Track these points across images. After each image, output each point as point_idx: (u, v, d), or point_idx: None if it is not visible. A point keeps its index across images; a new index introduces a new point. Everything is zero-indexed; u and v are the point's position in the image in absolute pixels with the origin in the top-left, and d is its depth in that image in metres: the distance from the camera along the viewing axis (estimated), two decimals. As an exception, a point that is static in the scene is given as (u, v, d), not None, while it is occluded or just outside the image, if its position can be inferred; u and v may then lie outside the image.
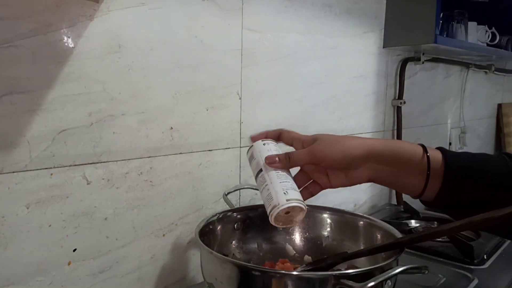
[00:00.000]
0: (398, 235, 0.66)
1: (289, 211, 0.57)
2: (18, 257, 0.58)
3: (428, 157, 0.56)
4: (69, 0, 0.59)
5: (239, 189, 0.87)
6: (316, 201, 1.06)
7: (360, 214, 0.78)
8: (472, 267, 0.89)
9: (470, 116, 1.88)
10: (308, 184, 0.64)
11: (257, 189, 0.86)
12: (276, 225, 0.59)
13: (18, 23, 0.55)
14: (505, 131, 2.15)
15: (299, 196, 0.58)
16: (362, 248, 0.74)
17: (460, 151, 0.60)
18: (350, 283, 0.50)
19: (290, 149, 0.64)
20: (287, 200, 0.56)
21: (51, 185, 0.60)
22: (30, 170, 0.58)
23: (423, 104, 1.55)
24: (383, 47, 1.27)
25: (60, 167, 0.61)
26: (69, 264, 0.64)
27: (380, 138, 1.33)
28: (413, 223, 1.21)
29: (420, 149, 0.57)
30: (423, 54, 1.40)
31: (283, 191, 0.57)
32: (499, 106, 2.15)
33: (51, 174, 0.60)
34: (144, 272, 0.74)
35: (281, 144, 0.66)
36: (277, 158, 0.60)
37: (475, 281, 0.83)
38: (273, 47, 0.92)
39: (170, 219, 0.77)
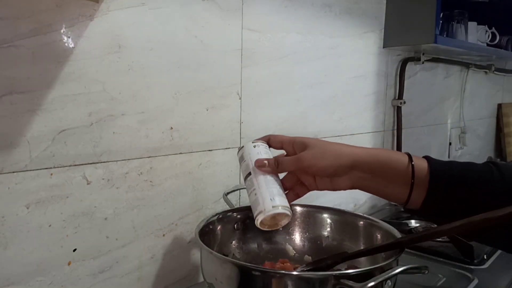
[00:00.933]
0: (398, 235, 0.66)
1: (274, 216, 0.59)
2: (18, 257, 0.58)
3: (412, 166, 0.57)
4: (69, 0, 0.59)
5: (239, 189, 0.87)
6: (316, 201, 1.06)
7: (360, 214, 0.78)
8: (472, 267, 0.89)
9: (470, 116, 1.88)
10: (295, 185, 0.66)
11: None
12: (261, 228, 0.61)
13: (18, 23, 0.55)
14: (505, 131, 2.15)
15: (285, 202, 0.60)
16: (362, 248, 0.74)
17: (447, 160, 0.61)
18: (350, 283, 0.50)
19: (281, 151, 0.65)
20: (273, 207, 0.58)
21: (51, 185, 0.60)
22: (30, 170, 0.58)
23: (423, 104, 1.55)
24: (383, 47, 1.27)
25: (60, 167, 0.61)
26: (69, 264, 0.64)
27: (380, 138, 1.33)
28: (413, 223, 1.20)
29: (406, 158, 0.58)
30: (423, 54, 1.40)
31: (270, 197, 0.59)
32: (499, 106, 2.15)
33: (51, 174, 0.60)
34: (144, 272, 0.74)
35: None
36: (266, 162, 0.62)
37: (475, 281, 0.83)
38: (273, 47, 0.92)
39: (170, 219, 0.77)
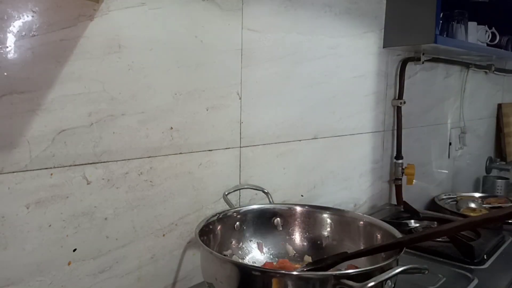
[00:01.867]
0: (398, 235, 0.66)
1: None
2: (18, 257, 0.58)
3: None
4: (69, 0, 0.59)
5: (239, 189, 0.87)
6: (316, 201, 1.06)
7: (360, 214, 0.78)
8: (472, 267, 0.89)
9: (470, 116, 1.88)
10: None
11: (257, 189, 0.87)
12: None
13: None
14: (505, 131, 2.15)
15: None
16: (362, 248, 0.74)
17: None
18: (350, 283, 0.50)
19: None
20: None
21: (51, 185, 0.60)
22: (30, 170, 0.58)
23: (423, 104, 1.55)
24: (383, 47, 1.27)
25: (60, 167, 0.61)
26: (69, 264, 0.64)
27: (380, 138, 1.33)
28: (413, 223, 1.21)
29: None
30: (423, 54, 1.40)
31: None
32: (499, 106, 2.15)
33: (51, 174, 0.60)
34: (144, 272, 0.74)
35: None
36: None
37: (475, 281, 0.83)
38: (273, 47, 0.92)
39: (170, 219, 0.77)
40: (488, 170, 2.09)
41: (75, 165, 0.63)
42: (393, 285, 0.58)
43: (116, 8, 0.65)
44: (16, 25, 0.55)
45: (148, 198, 0.73)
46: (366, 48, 1.22)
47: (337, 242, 0.78)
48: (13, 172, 0.57)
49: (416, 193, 1.53)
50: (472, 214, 1.38)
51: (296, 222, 0.81)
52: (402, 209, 1.32)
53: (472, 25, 1.43)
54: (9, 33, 0.55)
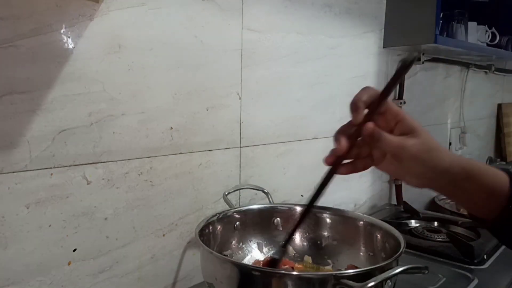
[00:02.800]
0: (398, 235, 0.66)
1: None
2: (18, 257, 0.58)
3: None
4: (69, 0, 0.59)
5: (239, 189, 0.87)
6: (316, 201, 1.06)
7: (360, 214, 0.78)
8: (472, 267, 0.89)
9: (470, 116, 1.88)
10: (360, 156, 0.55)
11: (257, 189, 0.87)
12: None
13: (18, 23, 0.55)
14: (505, 131, 2.15)
15: None
16: (361, 248, 0.74)
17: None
18: (350, 283, 0.50)
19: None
20: None
21: (51, 185, 0.60)
22: (30, 170, 0.58)
23: (423, 104, 1.55)
24: (383, 47, 1.27)
25: (60, 167, 0.61)
26: (69, 264, 0.64)
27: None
28: (413, 223, 1.21)
29: (506, 178, 0.51)
30: (423, 54, 1.40)
31: None
32: (499, 106, 2.15)
33: (51, 174, 0.60)
34: (144, 272, 0.74)
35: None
36: (370, 126, 0.50)
37: (475, 281, 0.83)
38: (273, 47, 0.92)
39: (170, 219, 0.77)
40: (488, 170, 2.09)
41: (75, 165, 0.63)
42: (393, 285, 0.58)
43: (116, 8, 0.65)
44: (16, 25, 0.55)
45: (148, 198, 0.73)
46: (366, 48, 1.22)
47: (337, 242, 0.78)
48: (13, 172, 0.57)
49: (416, 193, 1.53)
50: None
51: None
52: (402, 209, 1.32)
53: (472, 25, 1.43)
54: (9, 33, 0.55)
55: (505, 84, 2.18)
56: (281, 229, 0.81)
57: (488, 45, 1.52)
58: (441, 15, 1.26)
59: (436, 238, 1.05)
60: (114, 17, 0.65)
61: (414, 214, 1.24)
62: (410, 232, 1.11)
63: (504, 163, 2.13)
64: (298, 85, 1.00)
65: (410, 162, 0.50)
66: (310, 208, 0.54)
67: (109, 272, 0.69)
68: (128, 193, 0.70)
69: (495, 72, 1.96)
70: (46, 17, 0.58)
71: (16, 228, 0.58)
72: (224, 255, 0.72)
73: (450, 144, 1.76)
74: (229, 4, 0.81)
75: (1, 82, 0.54)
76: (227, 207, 0.79)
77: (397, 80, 0.50)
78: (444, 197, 1.64)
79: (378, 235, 0.72)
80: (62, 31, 0.59)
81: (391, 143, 0.49)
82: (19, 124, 0.57)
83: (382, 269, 0.53)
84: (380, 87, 0.51)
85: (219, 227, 0.74)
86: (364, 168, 0.54)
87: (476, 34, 1.46)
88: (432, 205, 1.58)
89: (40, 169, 0.59)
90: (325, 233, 0.79)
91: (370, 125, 0.50)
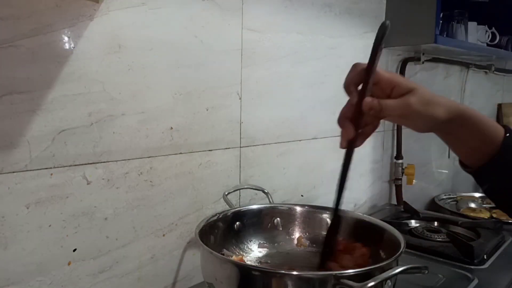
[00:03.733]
0: (399, 235, 0.66)
1: None
2: (18, 257, 0.58)
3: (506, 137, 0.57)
4: (69, 0, 0.59)
5: (239, 189, 0.87)
6: (316, 201, 1.06)
7: (360, 214, 0.78)
8: (472, 267, 0.89)
9: (470, 116, 1.88)
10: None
11: (257, 189, 0.87)
12: None
13: (18, 23, 0.55)
14: (505, 131, 2.15)
15: None
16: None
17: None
18: (350, 283, 0.50)
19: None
20: None
21: (51, 185, 0.60)
22: (30, 170, 0.58)
23: (423, 104, 1.55)
24: (383, 47, 1.27)
25: (60, 167, 0.61)
26: (69, 264, 0.64)
27: (380, 138, 1.33)
28: (413, 223, 1.21)
29: (502, 131, 0.58)
30: (423, 54, 1.40)
31: None
32: (499, 106, 2.15)
33: (51, 174, 0.60)
34: (144, 272, 0.74)
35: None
36: (371, 102, 0.54)
37: (475, 281, 0.83)
38: (273, 47, 0.92)
39: (170, 219, 0.77)
40: (488, 170, 2.09)
41: (75, 165, 0.63)
42: (393, 285, 0.58)
43: (116, 8, 0.65)
44: (16, 25, 0.55)
45: (148, 198, 0.73)
46: (366, 48, 1.21)
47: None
48: (13, 172, 0.57)
49: (416, 193, 1.53)
50: (472, 214, 1.39)
51: (296, 222, 0.81)
52: (402, 209, 1.32)
53: (472, 25, 1.43)
54: (9, 33, 0.55)
55: (505, 84, 2.17)
56: (281, 229, 0.81)
57: (488, 45, 1.52)
58: (441, 15, 1.26)
59: (436, 238, 1.05)
60: (114, 17, 0.65)
61: (414, 214, 1.24)
62: (410, 232, 1.11)
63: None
64: (298, 85, 1.00)
65: (413, 115, 0.55)
66: (342, 187, 0.65)
67: (109, 272, 0.69)
68: (128, 193, 0.70)
69: (495, 72, 1.95)
70: (46, 17, 0.58)
71: (16, 228, 0.58)
72: (224, 255, 0.72)
73: (450, 144, 1.76)
74: (229, 4, 0.81)
75: (1, 82, 0.54)
76: (227, 207, 0.79)
77: (377, 49, 0.56)
78: (444, 197, 1.64)
79: (378, 235, 0.72)
80: (62, 31, 0.59)
81: (394, 108, 0.55)
82: (19, 124, 0.57)
83: (382, 269, 0.53)
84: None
85: (219, 227, 0.74)
86: (374, 129, 0.59)
87: (476, 34, 1.46)
88: (432, 205, 1.58)
89: (40, 169, 0.59)
90: (325, 233, 0.79)
91: (367, 100, 0.54)
